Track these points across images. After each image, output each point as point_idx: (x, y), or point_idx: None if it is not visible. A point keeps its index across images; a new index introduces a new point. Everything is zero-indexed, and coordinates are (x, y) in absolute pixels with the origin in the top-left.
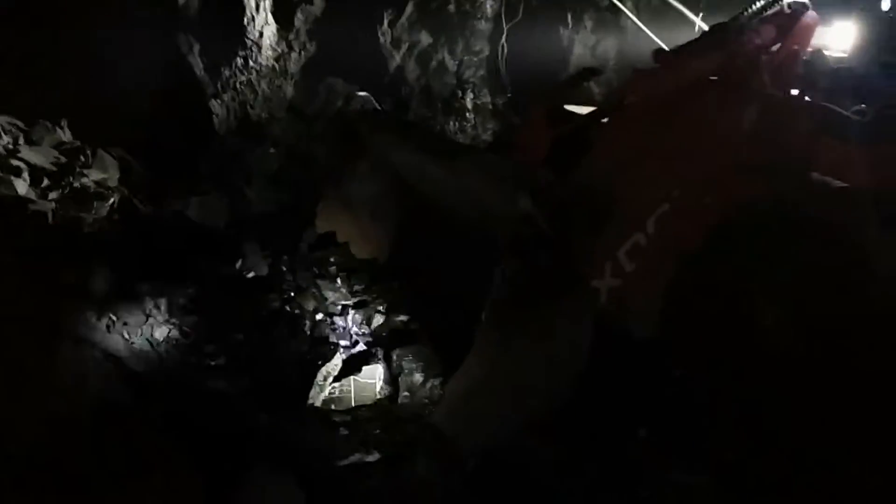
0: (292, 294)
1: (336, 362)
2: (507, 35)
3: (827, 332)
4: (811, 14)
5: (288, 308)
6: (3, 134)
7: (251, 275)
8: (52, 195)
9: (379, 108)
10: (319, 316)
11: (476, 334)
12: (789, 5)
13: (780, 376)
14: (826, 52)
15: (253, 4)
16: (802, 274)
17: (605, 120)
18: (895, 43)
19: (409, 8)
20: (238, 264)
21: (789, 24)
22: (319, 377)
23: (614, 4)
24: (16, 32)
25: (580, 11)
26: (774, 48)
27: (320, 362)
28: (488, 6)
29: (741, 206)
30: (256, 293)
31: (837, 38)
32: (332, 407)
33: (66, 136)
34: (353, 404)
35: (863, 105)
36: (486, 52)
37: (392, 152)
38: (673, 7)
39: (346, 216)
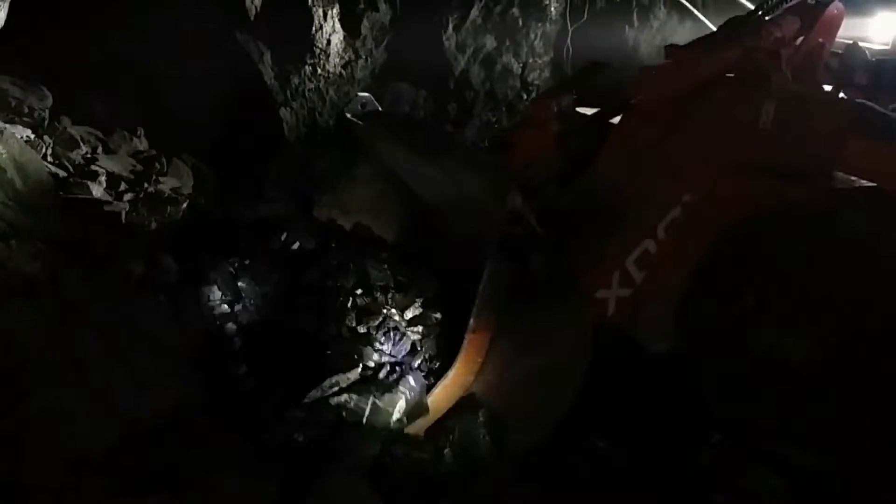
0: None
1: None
2: (572, 37)
3: (856, 346)
4: (837, 5)
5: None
6: (81, 143)
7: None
8: (127, 197)
9: (380, 109)
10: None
11: (465, 339)
12: None
13: (811, 393)
14: (866, 45)
15: (321, 13)
16: (828, 284)
17: (615, 120)
18: None
19: (474, 12)
20: (283, 237)
21: (814, 16)
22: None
23: (681, 3)
24: (90, 42)
25: (646, 11)
26: (798, 42)
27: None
28: (553, 9)
29: (759, 211)
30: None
31: (880, 30)
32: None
33: (142, 144)
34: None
35: None
36: (551, 55)
37: (389, 154)
38: (739, 4)
39: (343, 220)
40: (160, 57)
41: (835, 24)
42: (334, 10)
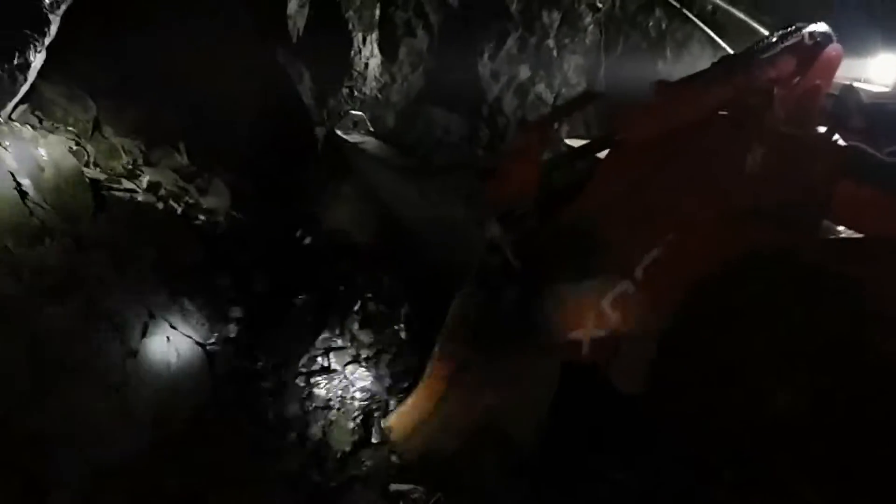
0: None
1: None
2: (605, 69)
3: (838, 396)
4: (835, 46)
5: None
6: (123, 153)
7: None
8: (164, 206)
9: (371, 129)
10: None
11: (429, 365)
12: (811, 35)
13: (792, 442)
14: (865, 86)
15: (361, 37)
16: (809, 332)
17: (601, 155)
18: None
19: (510, 42)
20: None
21: (811, 57)
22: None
23: (715, 40)
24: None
25: (680, 46)
26: (793, 82)
27: None
28: (588, 41)
29: (741, 256)
30: None
31: (881, 72)
32: None
33: (183, 159)
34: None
35: None
36: (584, 86)
37: (373, 174)
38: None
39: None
40: (203, 74)
41: (833, 66)
42: (374, 35)
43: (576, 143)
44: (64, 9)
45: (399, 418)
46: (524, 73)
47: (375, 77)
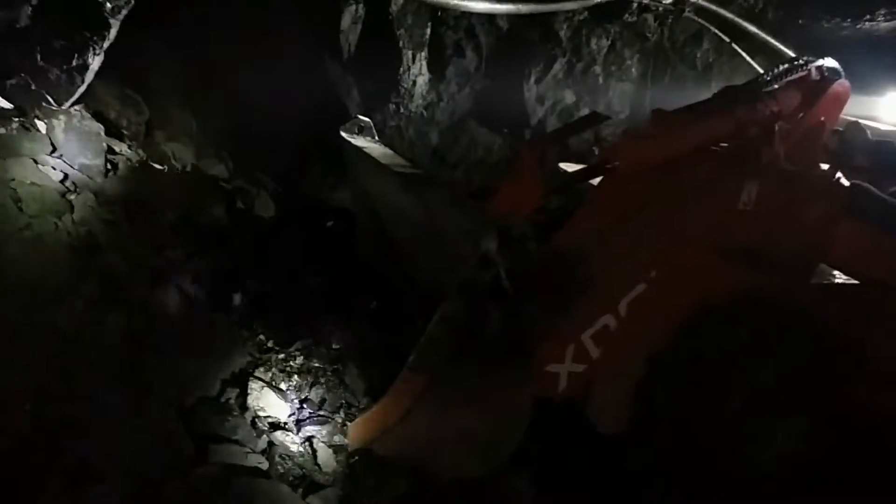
0: None
1: None
2: (650, 96)
3: (823, 446)
4: (843, 82)
5: None
6: (173, 159)
7: None
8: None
9: (376, 137)
10: None
11: (400, 374)
12: (818, 70)
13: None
14: (873, 124)
15: (410, 55)
16: (793, 379)
17: (596, 182)
18: None
19: (557, 66)
20: None
21: (816, 92)
22: None
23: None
24: (189, 64)
25: (727, 79)
26: (797, 118)
27: None
28: (634, 69)
29: (727, 297)
30: None
31: (890, 110)
32: None
33: (229, 167)
34: None
35: None
36: (627, 112)
37: (371, 179)
38: None
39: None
40: (253, 84)
41: (839, 102)
42: (423, 54)
43: (570, 167)
44: (124, 14)
45: (359, 426)
46: (569, 97)
47: (422, 94)
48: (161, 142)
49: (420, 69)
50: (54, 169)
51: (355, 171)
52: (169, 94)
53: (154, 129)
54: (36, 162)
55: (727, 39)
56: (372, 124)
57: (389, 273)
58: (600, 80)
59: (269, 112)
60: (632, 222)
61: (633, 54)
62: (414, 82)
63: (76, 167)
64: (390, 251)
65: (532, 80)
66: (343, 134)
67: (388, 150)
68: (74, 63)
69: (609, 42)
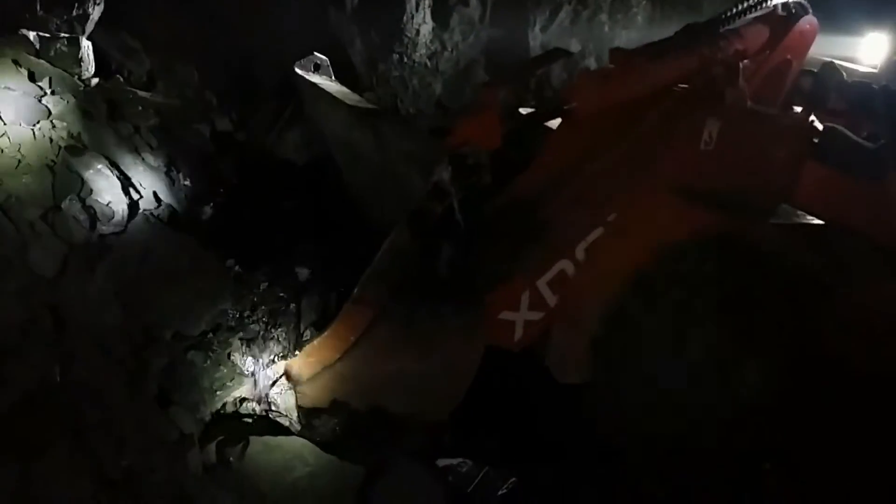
0: None
1: None
2: None
3: (784, 390)
4: (810, 19)
5: None
6: None
7: None
8: None
9: (332, 77)
10: None
11: (344, 308)
12: (784, 6)
13: (734, 442)
14: (852, 66)
15: (414, 3)
16: (759, 321)
17: (553, 124)
18: None
19: (563, 15)
20: None
21: (783, 29)
22: None
23: None
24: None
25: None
26: (763, 56)
27: None
28: (640, 17)
29: (689, 239)
30: None
31: (869, 51)
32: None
33: (233, 119)
34: None
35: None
36: None
37: (327, 117)
38: None
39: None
40: (256, 34)
41: (806, 40)
42: (427, 2)
43: (525, 111)
44: None
45: (299, 360)
46: (574, 46)
47: (426, 44)
48: (161, 91)
49: (424, 18)
50: None
51: (310, 109)
52: (171, 45)
53: (156, 79)
54: None
55: None
56: (328, 64)
57: (344, 212)
58: (606, 28)
59: (271, 62)
60: (589, 165)
61: (640, 1)
62: (417, 31)
63: None
64: (345, 190)
65: (537, 28)
66: (298, 71)
67: (343, 88)
68: (75, 13)
69: None
